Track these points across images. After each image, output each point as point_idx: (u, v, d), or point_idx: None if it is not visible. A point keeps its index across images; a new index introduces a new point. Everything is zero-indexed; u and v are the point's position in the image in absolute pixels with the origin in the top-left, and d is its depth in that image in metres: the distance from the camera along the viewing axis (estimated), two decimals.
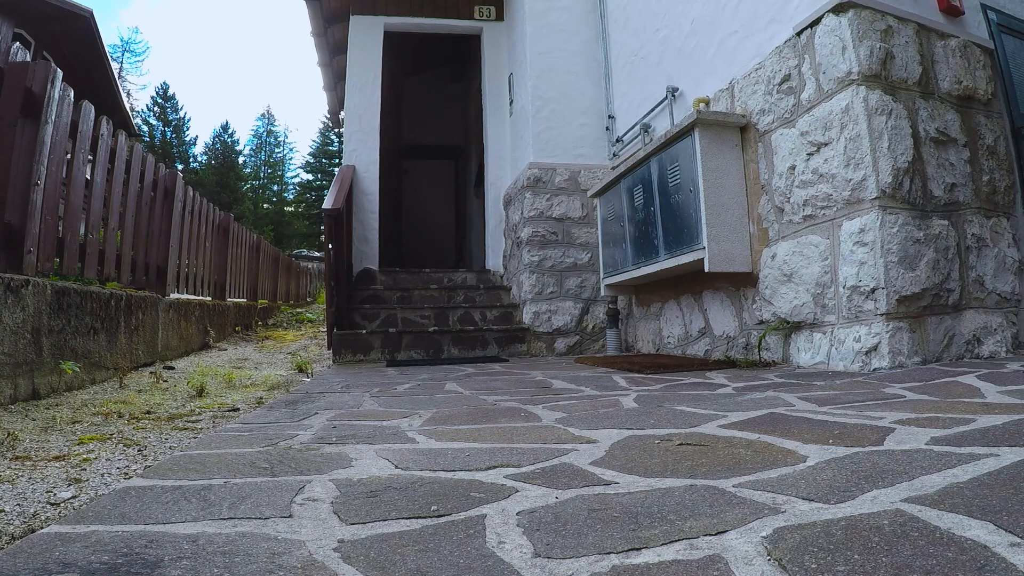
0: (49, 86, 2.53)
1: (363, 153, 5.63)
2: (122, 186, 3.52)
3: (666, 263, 3.19)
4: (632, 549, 0.67)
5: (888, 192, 2.27)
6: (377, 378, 2.92)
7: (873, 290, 2.24)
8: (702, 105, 3.17)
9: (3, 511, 0.96)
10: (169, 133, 36.71)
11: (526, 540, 0.72)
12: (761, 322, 2.86)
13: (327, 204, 4.31)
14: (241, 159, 39.53)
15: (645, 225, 3.45)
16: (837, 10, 2.42)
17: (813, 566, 0.59)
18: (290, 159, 45.43)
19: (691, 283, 3.48)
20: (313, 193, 36.27)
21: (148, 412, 1.99)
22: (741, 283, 3.03)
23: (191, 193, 4.84)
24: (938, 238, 2.36)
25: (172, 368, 3.25)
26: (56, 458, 1.34)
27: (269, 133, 41.71)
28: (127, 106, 13.03)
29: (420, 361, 3.97)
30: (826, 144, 2.45)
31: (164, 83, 52.22)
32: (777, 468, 0.98)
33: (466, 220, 8.51)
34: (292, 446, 1.29)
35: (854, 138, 2.32)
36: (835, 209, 2.42)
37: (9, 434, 1.51)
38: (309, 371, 3.32)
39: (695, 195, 2.92)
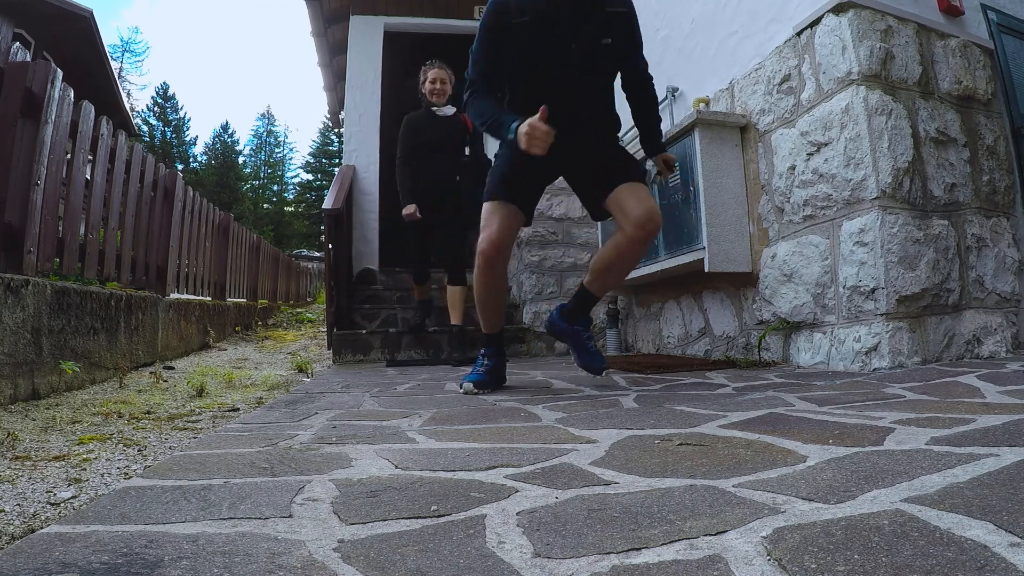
0: (49, 86, 2.53)
1: (363, 153, 5.64)
2: (122, 186, 3.52)
3: (666, 263, 3.19)
4: (632, 549, 0.67)
5: (888, 192, 2.27)
6: (377, 378, 2.92)
7: (873, 290, 2.24)
8: (702, 105, 3.17)
9: (3, 511, 0.97)
10: (169, 133, 36.74)
11: (526, 540, 0.72)
12: (761, 322, 2.86)
13: (327, 204, 4.32)
14: (241, 159, 39.57)
15: None
16: (837, 10, 2.42)
17: (813, 566, 0.59)
18: (290, 159, 45.47)
19: (691, 283, 3.47)
20: (313, 193, 36.30)
21: (148, 412, 1.99)
22: (741, 283, 3.03)
23: (191, 193, 4.84)
24: (938, 238, 2.36)
25: (172, 368, 3.25)
26: (56, 458, 1.34)
27: (269, 133, 41.75)
28: (127, 106, 13.04)
29: (420, 361, 3.97)
30: (826, 144, 2.45)
31: (164, 83, 52.32)
32: (777, 468, 0.98)
33: None
34: (292, 446, 1.29)
35: (854, 138, 2.32)
36: (835, 209, 2.42)
37: (9, 434, 1.51)
38: (309, 371, 3.32)
39: (695, 195, 2.92)
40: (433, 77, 3.77)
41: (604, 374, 2.26)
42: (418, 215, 3.66)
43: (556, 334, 2.39)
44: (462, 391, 2.23)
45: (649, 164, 2.35)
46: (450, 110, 3.80)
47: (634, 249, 2.09)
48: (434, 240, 3.85)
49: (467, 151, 3.80)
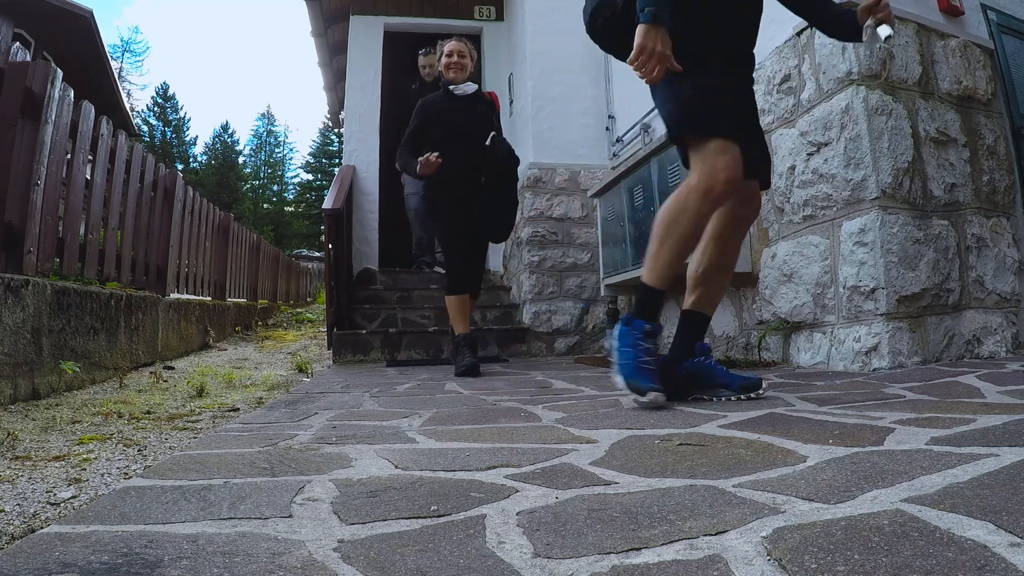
0: (49, 86, 2.53)
1: (363, 153, 5.63)
2: (122, 186, 3.52)
3: None
4: (632, 549, 0.67)
5: (888, 192, 2.27)
6: (377, 378, 2.92)
7: (873, 290, 2.24)
8: None
9: (3, 511, 0.97)
10: (169, 133, 36.78)
11: (526, 540, 0.72)
12: (761, 322, 2.86)
13: (327, 204, 4.31)
14: (241, 159, 39.61)
15: (645, 225, 3.45)
16: None
17: (813, 566, 0.59)
18: (290, 159, 45.46)
19: None
20: (313, 193, 36.31)
21: (148, 412, 1.99)
22: (741, 283, 3.03)
23: (191, 193, 4.84)
24: (938, 238, 2.36)
25: (172, 368, 3.25)
26: (56, 458, 1.34)
27: (269, 133, 41.76)
28: (127, 106, 13.05)
29: (420, 361, 3.97)
30: (826, 144, 2.45)
31: (164, 83, 52.36)
32: (777, 468, 0.98)
33: None
34: (292, 446, 1.29)
35: (854, 138, 2.32)
36: (835, 209, 2.42)
37: (9, 434, 1.51)
38: (309, 371, 3.32)
39: None
40: (450, 50, 3.17)
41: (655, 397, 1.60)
42: (433, 158, 2.90)
43: (680, 391, 1.72)
44: (645, 400, 1.58)
45: (868, 31, 1.80)
46: (471, 87, 3.22)
47: (740, 229, 1.80)
48: (472, 217, 3.11)
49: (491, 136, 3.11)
